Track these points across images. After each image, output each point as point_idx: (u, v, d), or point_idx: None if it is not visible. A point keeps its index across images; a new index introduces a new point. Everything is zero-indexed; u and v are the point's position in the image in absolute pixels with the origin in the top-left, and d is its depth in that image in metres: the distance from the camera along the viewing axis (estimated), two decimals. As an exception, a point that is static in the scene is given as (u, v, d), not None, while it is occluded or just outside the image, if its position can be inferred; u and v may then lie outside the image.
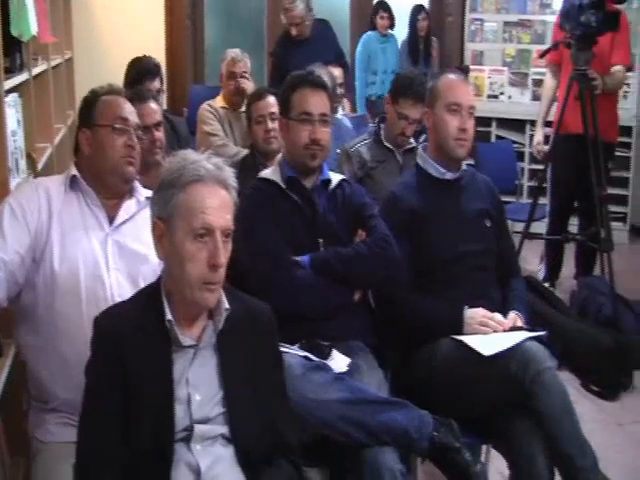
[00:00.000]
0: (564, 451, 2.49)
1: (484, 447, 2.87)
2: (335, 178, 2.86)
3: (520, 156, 6.45)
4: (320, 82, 2.85)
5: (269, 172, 2.85)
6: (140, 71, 4.23)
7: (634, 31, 6.60)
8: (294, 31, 5.66)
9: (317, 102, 2.77)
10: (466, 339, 2.68)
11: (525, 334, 2.66)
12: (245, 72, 4.80)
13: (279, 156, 2.91)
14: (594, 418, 3.78)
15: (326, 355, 2.59)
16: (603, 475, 2.52)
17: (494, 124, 6.87)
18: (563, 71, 4.96)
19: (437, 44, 7.55)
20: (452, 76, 2.99)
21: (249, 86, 4.61)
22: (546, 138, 5.21)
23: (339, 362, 2.59)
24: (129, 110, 2.52)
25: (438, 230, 2.86)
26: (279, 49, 5.78)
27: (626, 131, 6.52)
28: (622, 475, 3.25)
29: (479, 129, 6.20)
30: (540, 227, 5.28)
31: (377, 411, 2.40)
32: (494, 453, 2.81)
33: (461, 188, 2.97)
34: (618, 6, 4.57)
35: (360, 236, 2.77)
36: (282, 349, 2.33)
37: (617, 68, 4.97)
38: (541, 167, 5.12)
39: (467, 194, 2.97)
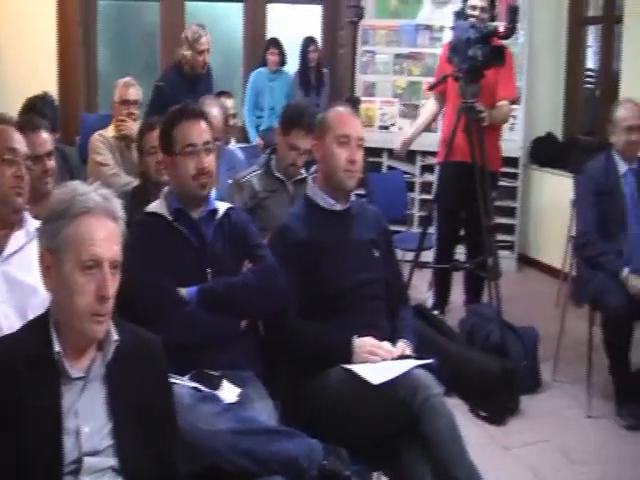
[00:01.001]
0: (451, 475, 2.55)
1: (375, 474, 2.88)
2: (222, 207, 2.87)
3: (410, 186, 6.57)
4: (198, 111, 2.87)
5: (155, 205, 2.84)
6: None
7: (519, 65, 6.91)
8: (200, 64, 5.69)
9: (198, 132, 2.78)
10: (355, 368, 2.72)
11: (413, 362, 2.72)
12: (137, 100, 4.80)
13: (165, 189, 2.90)
14: (482, 442, 3.86)
15: (216, 386, 2.59)
16: (489, 498, 2.59)
17: (385, 155, 6.98)
18: (450, 103, 5.10)
19: (328, 75, 7.68)
20: (341, 109, 3.03)
21: (133, 129, 4.57)
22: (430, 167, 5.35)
23: (229, 392, 2.59)
24: (18, 140, 2.51)
25: (327, 261, 2.89)
26: (166, 83, 5.75)
27: (513, 162, 6.74)
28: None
29: (370, 160, 6.32)
30: (430, 256, 5.39)
31: (267, 440, 2.41)
32: (385, 480, 2.84)
33: (350, 219, 3.01)
34: (503, 41, 4.72)
35: (247, 266, 2.79)
36: (172, 380, 2.31)
37: (503, 102, 5.14)
38: (430, 197, 5.25)
39: (356, 225, 3.02)
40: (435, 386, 2.61)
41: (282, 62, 7.53)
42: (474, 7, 4.99)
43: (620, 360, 4.11)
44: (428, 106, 5.45)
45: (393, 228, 5.82)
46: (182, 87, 5.64)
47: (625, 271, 4.11)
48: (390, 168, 6.89)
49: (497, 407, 4.14)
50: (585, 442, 3.99)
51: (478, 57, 4.48)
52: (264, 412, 2.59)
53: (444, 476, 2.56)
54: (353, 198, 3.04)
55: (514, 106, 6.83)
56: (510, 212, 6.86)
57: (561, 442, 3.93)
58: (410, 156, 5.54)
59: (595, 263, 4.23)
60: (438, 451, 2.56)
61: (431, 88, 5.21)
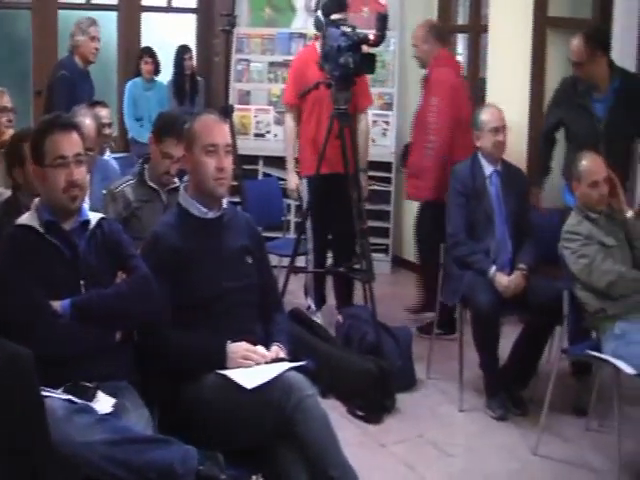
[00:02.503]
0: (327, 474, 2.62)
1: (254, 477, 2.92)
2: (94, 218, 2.86)
3: (286, 192, 6.64)
4: (70, 123, 2.84)
5: (26, 218, 2.79)
6: None
7: (391, 72, 7.10)
8: (92, 50, 5.75)
9: (69, 144, 2.75)
10: (229, 373, 2.75)
11: (287, 365, 2.78)
12: (12, 108, 4.71)
13: (36, 200, 2.86)
14: (359, 441, 3.96)
15: (90, 397, 2.58)
16: (364, 494, 2.67)
17: (261, 162, 7.04)
18: (320, 111, 5.18)
19: (203, 84, 7.69)
20: (206, 117, 3.05)
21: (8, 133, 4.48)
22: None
23: (104, 403, 2.58)
24: None
25: (201, 268, 2.92)
26: (67, 71, 5.71)
27: (385, 167, 6.92)
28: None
29: (246, 167, 6.36)
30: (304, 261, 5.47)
31: (142, 449, 2.42)
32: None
33: (223, 226, 3.04)
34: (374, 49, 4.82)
35: (120, 277, 2.79)
36: (44, 393, 2.30)
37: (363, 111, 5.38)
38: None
39: (229, 232, 3.05)
40: (308, 387, 2.68)
41: (156, 71, 7.50)
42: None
43: (489, 355, 4.29)
44: (290, 125, 5.44)
45: (269, 234, 5.95)
46: (80, 75, 5.64)
47: (492, 269, 4.30)
48: (266, 175, 6.95)
49: (373, 406, 4.24)
50: (457, 435, 4.16)
51: (349, 64, 4.56)
52: (140, 422, 2.60)
53: (319, 476, 2.63)
54: (225, 205, 3.07)
55: (388, 112, 7.06)
56: (384, 216, 7.01)
57: (435, 436, 4.07)
58: (285, 163, 5.59)
59: (464, 263, 4.40)
60: (313, 451, 2.63)
61: (302, 95, 5.27)
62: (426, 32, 5.43)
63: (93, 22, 5.77)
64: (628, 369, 3.58)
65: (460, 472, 3.77)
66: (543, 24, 5.86)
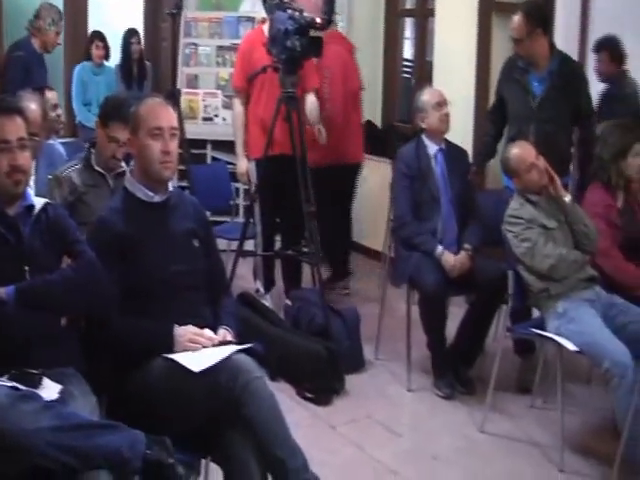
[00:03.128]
0: (275, 455, 2.64)
1: (204, 461, 2.94)
2: (38, 203, 2.83)
3: (235, 176, 6.64)
4: (13, 106, 2.80)
5: (-32, 203, 2.76)
6: None
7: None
8: (53, 43, 5.94)
9: (12, 128, 2.70)
10: (176, 357, 2.76)
11: (234, 347, 2.79)
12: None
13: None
14: (309, 423, 4.00)
15: (36, 384, 2.56)
16: (313, 474, 2.70)
17: (209, 146, 7.00)
18: (268, 93, 5.18)
19: (151, 68, 7.63)
20: (151, 100, 3.05)
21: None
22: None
23: (50, 390, 2.56)
24: None
25: (147, 252, 2.91)
26: (25, 53, 5.69)
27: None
28: (336, 473, 3.46)
29: (194, 151, 6.34)
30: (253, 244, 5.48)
31: (88, 435, 2.41)
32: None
33: (169, 210, 3.04)
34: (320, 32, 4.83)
35: (66, 262, 2.78)
36: (-13, 382, 2.29)
37: (310, 94, 5.41)
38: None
39: (175, 215, 3.04)
40: (256, 370, 2.69)
41: (107, 56, 7.42)
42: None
43: (436, 335, 4.36)
44: (238, 111, 5.46)
45: (218, 218, 5.95)
46: (36, 58, 5.61)
47: (439, 249, 4.36)
48: (214, 159, 6.93)
49: (322, 388, 4.29)
50: (406, 415, 4.23)
51: (296, 48, 4.56)
52: (86, 408, 2.58)
53: (268, 457, 2.65)
54: (171, 189, 3.06)
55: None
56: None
57: (384, 417, 4.12)
58: (234, 147, 5.58)
59: (411, 244, 4.45)
60: (261, 433, 2.65)
61: (250, 79, 5.26)
62: None
63: (62, 17, 5.74)
64: (570, 346, 3.67)
65: (408, 451, 3.83)
66: (488, 8, 5.94)
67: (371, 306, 5.15)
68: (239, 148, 5.47)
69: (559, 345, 3.72)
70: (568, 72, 4.61)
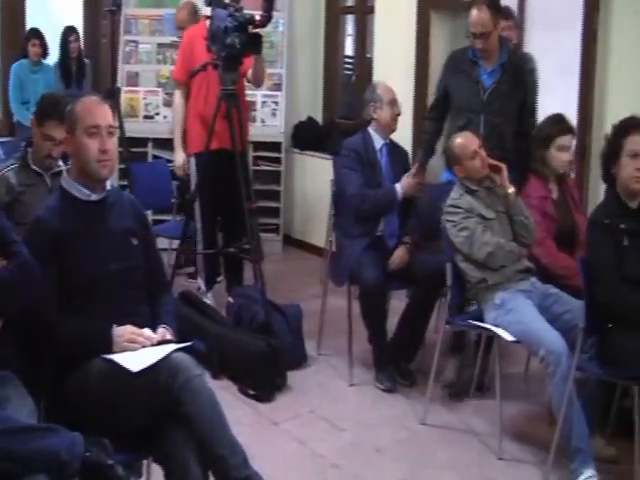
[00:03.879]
0: (215, 452, 2.65)
1: (145, 461, 2.94)
2: (-28, 204, 2.81)
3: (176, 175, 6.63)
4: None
5: None
6: None
7: (280, 53, 7.13)
8: None
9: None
10: (115, 357, 2.75)
11: (173, 346, 2.78)
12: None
13: None
14: (252, 420, 4.01)
15: (-30, 389, 2.54)
16: (254, 470, 2.71)
17: (150, 144, 6.97)
18: (208, 89, 5.18)
19: (90, 66, 7.56)
20: (87, 98, 3.02)
21: None
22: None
23: (-15, 394, 2.55)
24: None
25: (85, 251, 2.89)
26: None
27: (275, 147, 6.97)
28: (278, 469, 3.48)
29: (135, 150, 6.30)
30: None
31: (26, 439, 2.39)
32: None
33: (107, 208, 3.02)
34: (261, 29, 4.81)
35: (1, 263, 2.75)
36: None
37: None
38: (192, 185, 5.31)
39: (113, 214, 3.02)
40: (195, 368, 2.69)
41: (44, 53, 7.33)
42: None
43: (377, 329, 4.41)
44: (178, 104, 5.48)
45: (159, 217, 5.92)
46: None
47: (398, 188, 4.53)
48: (155, 157, 6.89)
49: (265, 385, 4.29)
50: (348, 409, 4.25)
51: (236, 45, 4.56)
52: (23, 411, 2.57)
53: (208, 454, 2.66)
54: (109, 187, 3.05)
55: (277, 92, 7.10)
56: (274, 196, 7.04)
57: (326, 411, 4.15)
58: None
59: (377, 206, 4.54)
60: (201, 430, 2.65)
61: (191, 76, 5.25)
62: (189, 13, 5.95)
63: None
64: (508, 336, 3.74)
65: (351, 445, 3.86)
66: (427, 5, 5.99)
67: (313, 302, 5.17)
68: (177, 140, 5.47)
69: (497, 336, 3.79)
70: (516, 65, 4.64)
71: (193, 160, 5.32)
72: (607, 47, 4.89)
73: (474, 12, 4.49)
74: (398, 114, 4.68)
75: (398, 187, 4.53)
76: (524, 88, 4.64)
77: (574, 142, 4.43)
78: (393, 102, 4.65)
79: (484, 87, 4.60)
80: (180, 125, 5.45)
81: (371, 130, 4.68)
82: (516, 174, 4.22)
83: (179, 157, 5.46)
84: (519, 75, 4.63)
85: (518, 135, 4.58)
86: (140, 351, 2.80)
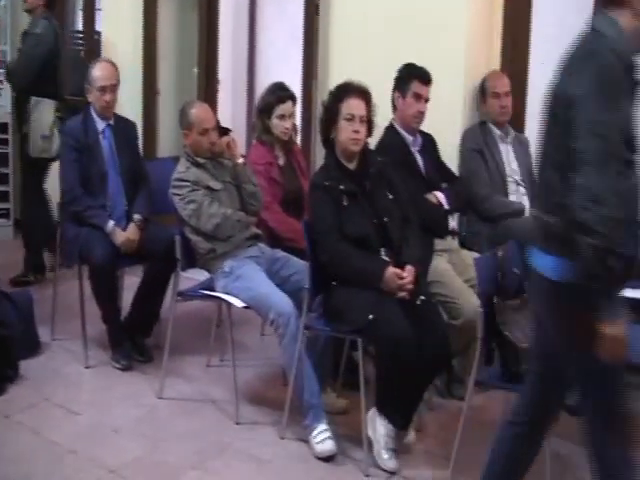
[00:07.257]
0: None
1: None
2: None
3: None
4: None
5: None
6: None
7: (3, 28, 6.76)
8: None
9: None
10: None
11: None
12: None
13: None
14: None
15: None
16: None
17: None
18: None
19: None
20: None
21: None
22: None
23: None
24: None
25: None
26: None
27: (3, 128, 6.62)
28: (9, 463, 3.35)
29: None
30: None
31: None
32: None
33: None
34: None
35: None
36: None
37: None
38: None
39: None
40: None
41: None
42: None
43: (110, 307, 4.35)
44: None
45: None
46: None
47: (110, 224, 4.31)
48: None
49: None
50: (84, 392, 4.15)
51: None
52: None
53: None
54: None
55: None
56: (3, 179, 6.70)
57: (62, 398, 4.00)
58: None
59: (82, 218, 4.36)
60: None
61: None
62: None
63: None
64: (238, 303, 3.78)
65: (87, 428, 3.74)
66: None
67: (45, 286, 4.97)
68: None
69: (228, 302, 3.81)
70: None
71: None
72: (328, 18, 5.02)
73: None
74: (110, 100, 4.50)
75: (111, 225, 4.34)
76: None
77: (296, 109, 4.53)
78: (104, 88, 4.47)
79: None
80: None
81: (92, 111, 4.54)
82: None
83: None
84: None
85: None
86: None
